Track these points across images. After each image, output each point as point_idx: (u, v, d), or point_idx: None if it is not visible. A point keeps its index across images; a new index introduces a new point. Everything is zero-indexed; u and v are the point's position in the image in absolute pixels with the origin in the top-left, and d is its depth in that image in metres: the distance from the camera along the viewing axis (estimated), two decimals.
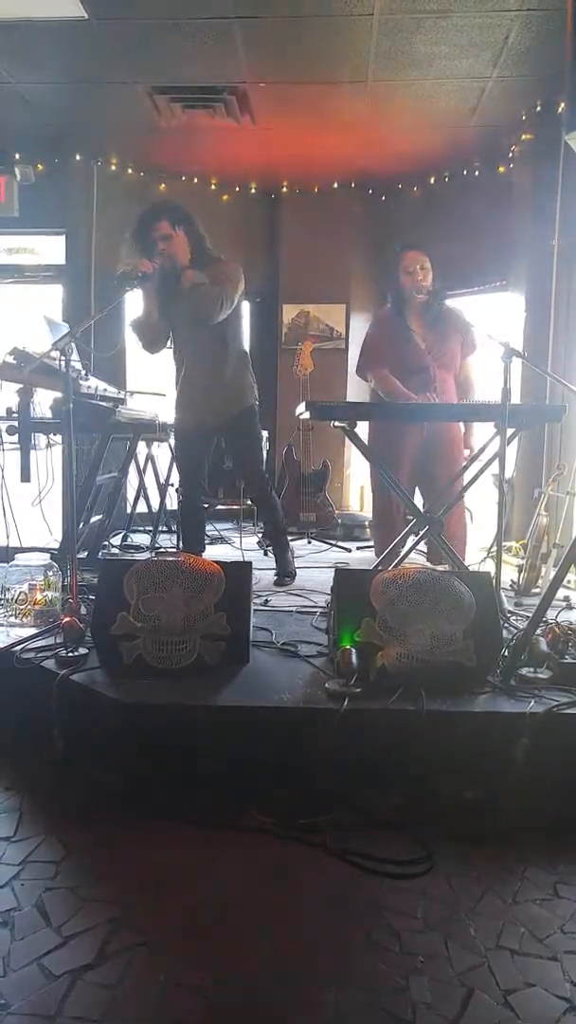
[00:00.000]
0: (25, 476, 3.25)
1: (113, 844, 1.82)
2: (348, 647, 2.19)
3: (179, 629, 2.28)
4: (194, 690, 2.15)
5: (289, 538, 3.72)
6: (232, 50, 4.06)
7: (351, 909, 1.61)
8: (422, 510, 3.25)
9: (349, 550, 4.87)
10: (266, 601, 3.29)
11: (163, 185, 5.84)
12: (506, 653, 2.34)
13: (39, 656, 2.40)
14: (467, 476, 3.27)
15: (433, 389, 3.48)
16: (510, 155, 5.14)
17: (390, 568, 2.66)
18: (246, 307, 6.22)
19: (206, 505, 3.90)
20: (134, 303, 3.45)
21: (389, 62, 4.16)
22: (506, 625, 2.76)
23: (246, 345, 3.52)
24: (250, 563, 2.55)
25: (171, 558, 2.44)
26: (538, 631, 2.41)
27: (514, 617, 2.94)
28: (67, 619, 2.48)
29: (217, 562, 2.48)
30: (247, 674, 2.32)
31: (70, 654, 2.36)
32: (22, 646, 2.49)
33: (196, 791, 2.00)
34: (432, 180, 5.76)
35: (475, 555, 4.65)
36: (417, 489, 3.67)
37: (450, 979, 1.41)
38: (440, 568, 3.53)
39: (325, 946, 1.49)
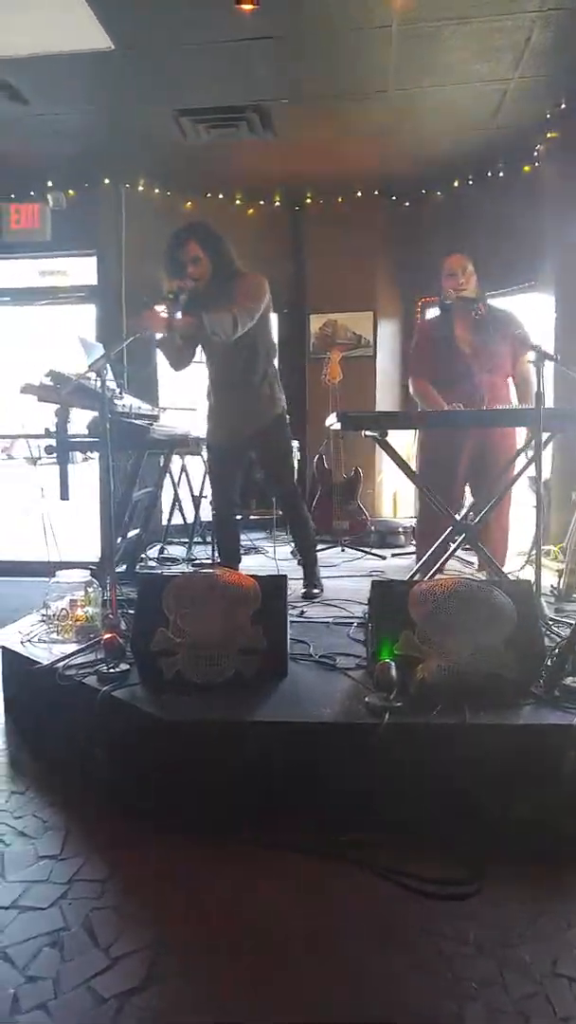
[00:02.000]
0: (64, 494, 3.30)
1: (156, 863, 1.83)
2: (387, 660, 2.17)
3: (217, 644, 2.29)
4: (233, 705, 2.15)
5: (320, 549, 3.72)
6: (253, 70, 4.11)
7: (399, 933, 1.58)
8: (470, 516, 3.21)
9: (384, 557, 4.84)
10: (301, 612, 3.29)
11: (189, 203, 5.92)
12: (549, 663, 2.31)
13: (81, 673, 2.43)
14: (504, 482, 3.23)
15: (480, 398, 3.39)
16: (535, 154, 5.09)
17: (427, 578, 2.64)
18: (273, 318, 6.25)
19: (239, 517, 3.91)
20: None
21: (409, 71, 4.17)
22: (548, 633, 2.73)
23: (275, 356, 3.53)
24: (285, 576, 2.55)
25: (207, 572, 2.45)
26: None
27: (556, 624, 2.89)
28: (108, 635, 2.50)
29: (252, 575, 2.48)
30: (286, 688, 2.31)
31: (111, 670, 2.38)
32: (64, 662, 2.52)
33: (237, 807, 1.99)
34: (456, 183, 5.74)
35: (513, 559, 4.62)
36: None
37: (506, 1007, 1.37)
38: (480, 575, 3.51)
39: (374, 972, 1.47)
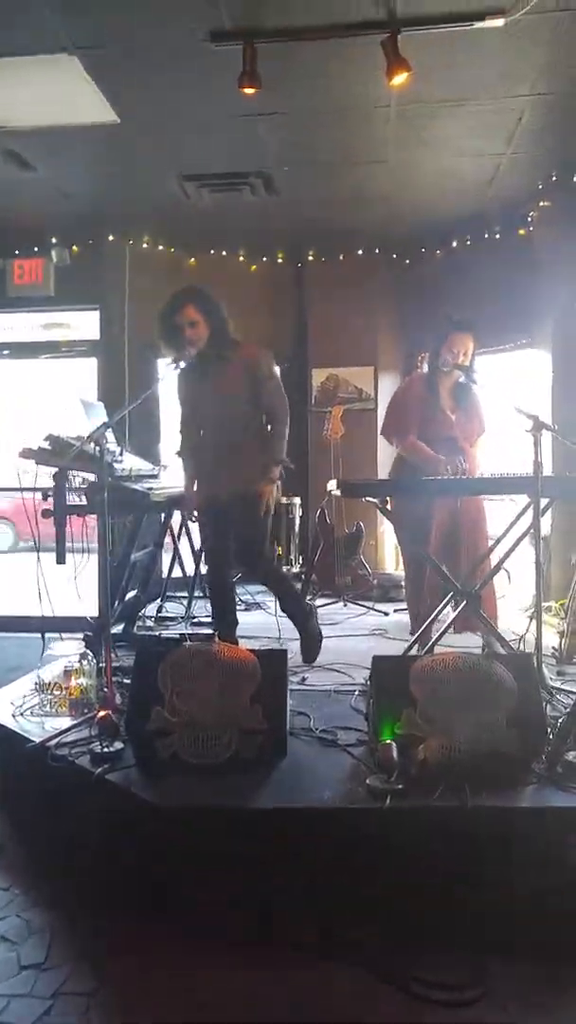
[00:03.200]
0: (60, 559, 3.28)
1: (147, 969, 1.75)
2: (388, 741, 2.13)
3: (215, 724, 2.25)
4: (232, 790, 2.10)
5: (322, 605, 3.62)
6: (257, 141, 4.23)
7: None
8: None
9: (387, 613, 4.80)
10: (303, 679, 3.24)
11: (193, 260, 6.02)
12: (551, 737, 2.27)
13: (74, 752, 2.37)
14: (502, 547, 3.21)
15: (462, 455, 3.44)
16: (529, 219, 5.20)
17: (428, 653, 2.61)
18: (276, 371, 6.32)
19: (238, 575, 3.87)
20: (168, 384, 3.52)
21: (407, 144, 4.30)
22: (551, 702, 2.69)
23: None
24: (285, 651, 2.52)
25: (205, 647, 2.42)
26: None
27: (558, 693, 2.84)
28: (102, 713, 2.45)
29: (252, 650, 2.45)
30: (285, 769, 2.26)
31: (105, 749, 2.32)
32: (56, 740, 2.45)
33: (235, 899, 1.93)
34: (454, 243, 5.85)
35: (513, 615, 4.58)
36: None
37: None
38: (477, 640, 3.46)
39: None
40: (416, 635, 3.20)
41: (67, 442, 3.07)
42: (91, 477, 3.23)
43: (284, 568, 5.35)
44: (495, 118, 3.99)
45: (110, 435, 3.42)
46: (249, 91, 3.27)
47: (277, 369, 3.43)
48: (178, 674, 2.32)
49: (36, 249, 5.74)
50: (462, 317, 3.58)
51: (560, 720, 2.32)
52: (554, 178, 4.71)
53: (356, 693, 2.95)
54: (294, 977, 1.72)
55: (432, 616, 3.13)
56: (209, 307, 3.24)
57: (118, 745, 2.34)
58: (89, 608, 3.47)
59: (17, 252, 5.77)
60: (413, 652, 3.07)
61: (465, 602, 3.02)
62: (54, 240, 5.67)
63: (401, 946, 1.79)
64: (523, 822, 1.97)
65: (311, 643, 3.49)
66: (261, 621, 4.49)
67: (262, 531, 3.34)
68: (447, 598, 3.09)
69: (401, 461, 3.67)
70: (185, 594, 4.86)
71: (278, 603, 3.56)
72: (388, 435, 3.71)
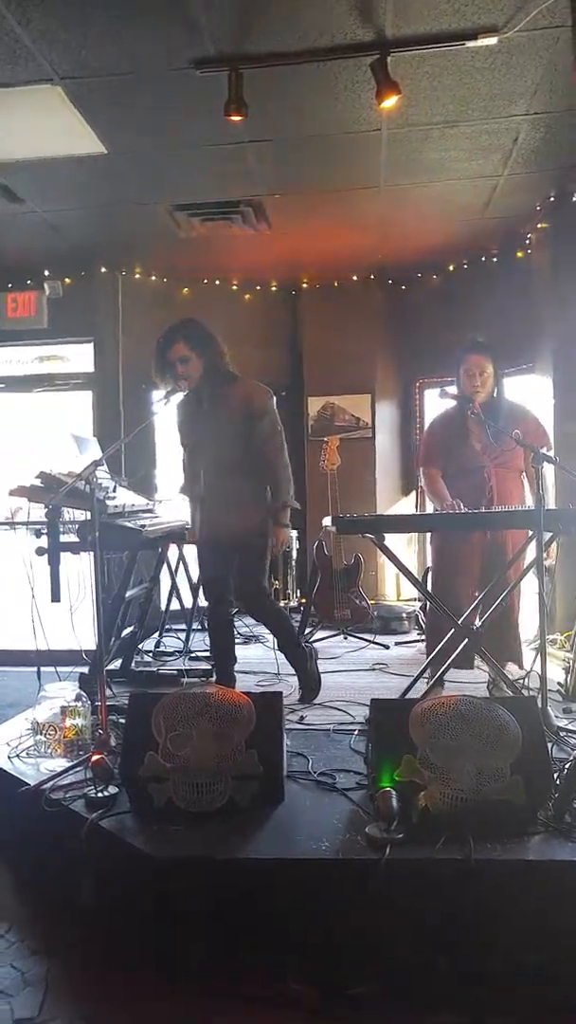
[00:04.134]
0: (55, 597, 3.22)
1: None
2: (388, 788, 2.06)
3: (209, 770, 2.18)
4: (226, 839, 2.04)
5: (322, 638, 3.55)
6: (246, 169, 4.21)
7: None
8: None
9: (387, 647, 4.72)
10: (301, 718, 3.17)
11: (186, 289, 6.02)
12: (558, 783, 2.19)
13: (68, 797, 2.32)
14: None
15: (488, 491, 3.30)
16: (527, 241, 5.19)
17: (428, 695, 2.54)
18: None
19: (235, 610, 3.81)
20: (164, 414, 3.49)
21: (400, 169, 4.27)
22: (557, 743, 2.61)
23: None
24: (280, 693, 2.46)
25: (198, 692, 2.36)
26: None
27: (566, 735, 2.76)
28: (96, 756, 2.39)
29: (247, 693, 2.39)
30: (282, 816, 2.20)
31: (99, 794, 2.28)
32: (51, 783, 2.41)
33: (232, 954, 1.86)
34: (451, 268, 5.83)
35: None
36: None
37: None
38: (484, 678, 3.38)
39: None
40: (417, 674, 3.13)
41: (59, 479, 3.03)
42: (84, 515, 3.19)
43: (281, 603, 5.31)
44: (490, 139, 3.96)
45: (103, 471, 3.38)
46: (236, 119, 3.23)
47: (274, 402, 3.37)
48: (171, 718, 2.25)
49: (29, 282, 5.74)
50: (479, 339, 3.50)
51: (567, 765, 2.24)
52: (552, 199, 4.69)
53: (356, 733, 2.89)
54: None
55: (434, 651, 3.06)
56: (201, 343, 3.22)
57: (113, 789, 2.29)
58: (86, 642, 3.42)
59: (10, 285, 5.77)
60: (414, 692, 3.00)
61: (465, 641, 2.95)
62: (47, 273, 5.67)
63: (403, 1005, 1.72)
64: (530, 875, 1.90)
65: (309, 684, 3.44)
66: (260, 655, 4.42)
67: (262, 570, 3.33)
68: (449, 634, 3.02)
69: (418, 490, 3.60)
70: (183, 627, 4.80)
71: (276, 640, 3.50)
72: (417, 467, 3.65)
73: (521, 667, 3.36)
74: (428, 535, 3.62)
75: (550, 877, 1.89)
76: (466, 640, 2.93)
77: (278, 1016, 1.71)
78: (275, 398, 3.43)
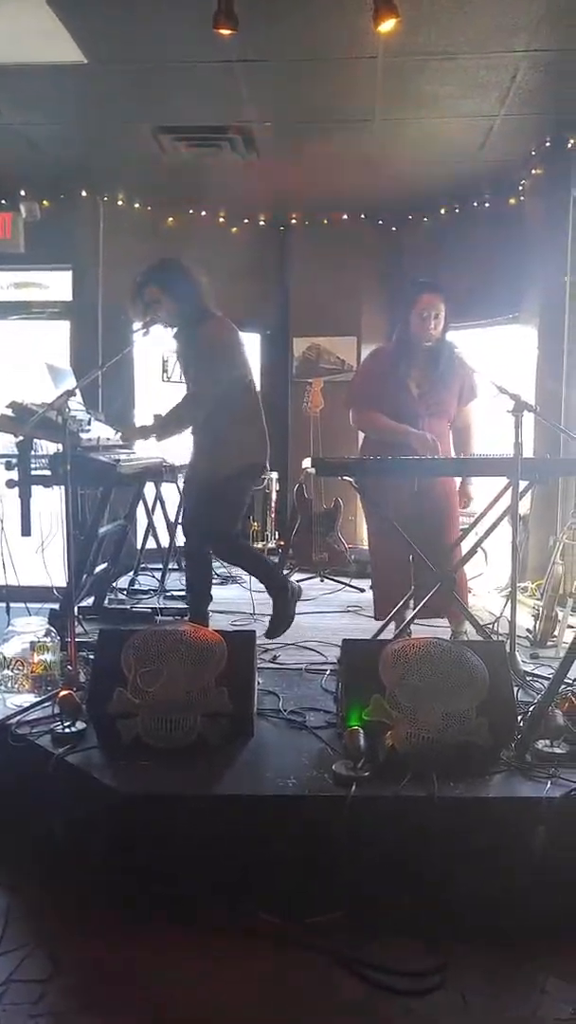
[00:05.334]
0: (25, 530, 3.18)
1: (105, 956, 1.71)
2: (356, 727, 2.09)
3: (179, 707, 2.19)
4: (194, 775, 2.05)
5: (299, 580, 3.55)
6: (236, 92, 4.02)
7: None
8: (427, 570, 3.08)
9: (362, 590, 4.75)
10: (275, 657, 3.20)
11: (171, 219, 5.81)
12: (521, 724, 2.24)
13: (35, 732, 2.31)
14: (479, 528, 3.14)
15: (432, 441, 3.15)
16: (520, 188, 5.06)
17: (399, 639, 2.56)
18: (255, 340, 6.17)
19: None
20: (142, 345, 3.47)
21: (395, 102, 4.11)
22: (523, 688, 2.66)
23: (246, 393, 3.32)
24: (253, 632, 2.46)
25: (170, 628, 2.35)
26: (553, 702, 2.29)
27: (531, 679, 2.82)
28: (64, 692, 2.38)
29: (219, 631, 2.39)
30: (251, 753, 2.21)
31: (67, 730, 2.27)
32: (17, 718, 2.40)
33: (196, 887, 1.90)
34: (443, 211, 5.69)
35: (489, 595, 4.56)
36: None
37: None
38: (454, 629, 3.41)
39: None
40: (387, 618, 3.14)
41: (31, 409, 2.95)
42: (56, 447, 3.12)
43: (259, 544, 5.32)
44: (488, 75, 3.82)
45: (77, 403, 3.30)
46: (224, 32, 3.05)
47: (232, 343, 3.20)
48: (142, 654, 2.25)
49: (3, 202, 5.45)
50: (428, 279, 3.37)
51: (531, 708, 2.29)
52: (548, 144, 4.56)
53: (327, 673, 2.92)
54: (255, 963, 1.70)
55: (402, 602, 3.07)
56: (172, 285, 3.13)
57: (81, 725, 2.28)
58: (57, 579, 3.39)
59: None
60: (386, 634, 3.03)
61: (439, 585, 2.96)
62: (23, 193, 5.40)
63: (364, 933, 1.78)
64: (490, 811, 1.95)
65: (279, 621, 3.38)
66: (236, 595, 4.44)
67: (206, 514, 3.23)
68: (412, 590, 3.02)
69: (368, 441, 3.41)
70: (159, 566, 4.78)
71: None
72: (348, 410, 3.43)
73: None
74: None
75: (509, 813, 1.93)
76: (439, 584, 2.93)
77: (246, 945, 1.75)
78: (239, 339, 3.24)
